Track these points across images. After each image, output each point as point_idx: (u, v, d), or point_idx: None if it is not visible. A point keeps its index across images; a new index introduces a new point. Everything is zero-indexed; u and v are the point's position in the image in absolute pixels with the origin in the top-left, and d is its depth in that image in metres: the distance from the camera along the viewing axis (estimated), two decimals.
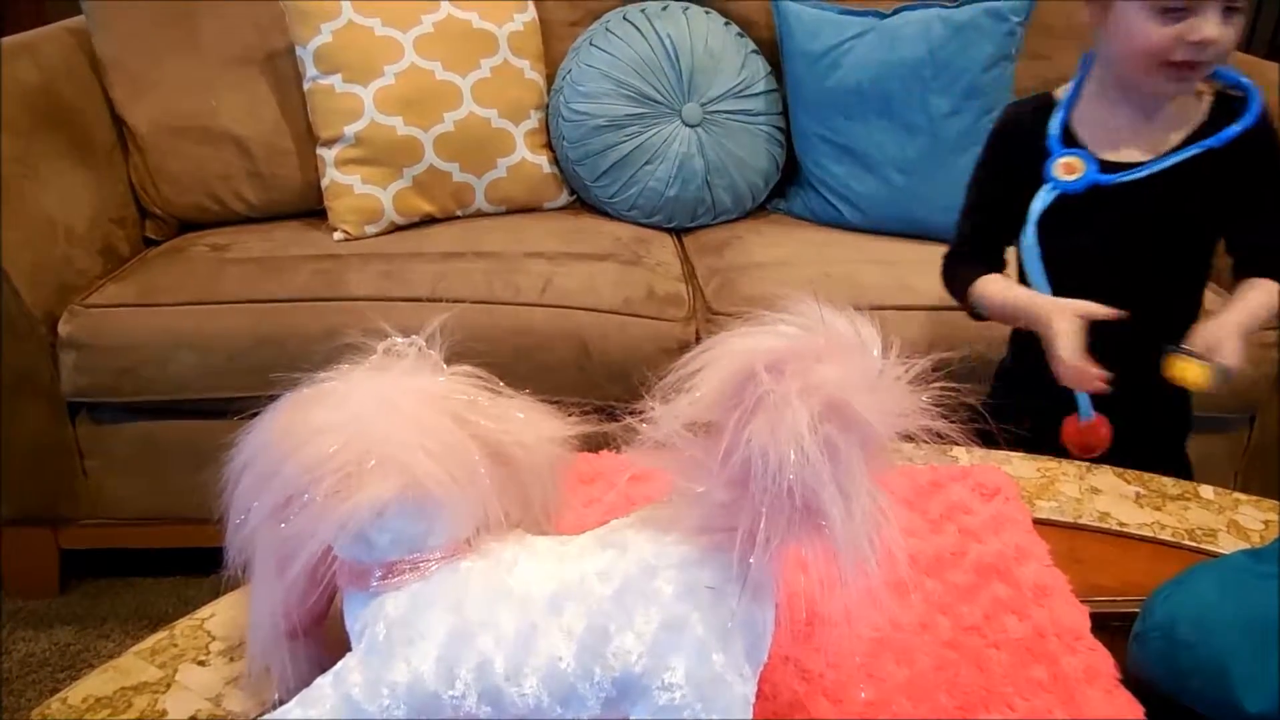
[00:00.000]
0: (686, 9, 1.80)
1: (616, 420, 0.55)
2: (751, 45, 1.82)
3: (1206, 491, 0.88)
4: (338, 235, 1.63)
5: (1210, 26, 0.91)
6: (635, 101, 1.72)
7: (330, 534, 0.54)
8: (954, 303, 1.57)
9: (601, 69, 1.73)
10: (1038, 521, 0.81)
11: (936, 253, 1.67)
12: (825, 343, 0.51)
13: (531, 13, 1.78)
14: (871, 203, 1.75)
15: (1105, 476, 0.89)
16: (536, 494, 0.61)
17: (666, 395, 0.53)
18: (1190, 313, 1.06)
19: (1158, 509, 0.85)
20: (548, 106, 1.80)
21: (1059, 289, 1.02)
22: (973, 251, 1.14)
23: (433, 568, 0.56)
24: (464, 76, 1.68)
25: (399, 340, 0.61)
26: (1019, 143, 1.07)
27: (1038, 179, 1.04)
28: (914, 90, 1.68)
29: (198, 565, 1.49)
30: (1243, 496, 0.87)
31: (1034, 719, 0.62)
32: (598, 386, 1.46)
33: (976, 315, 1.13)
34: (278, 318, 1.44)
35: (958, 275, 1.14)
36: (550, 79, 1.82)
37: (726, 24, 1.81)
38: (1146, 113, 1.02)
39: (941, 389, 0.51)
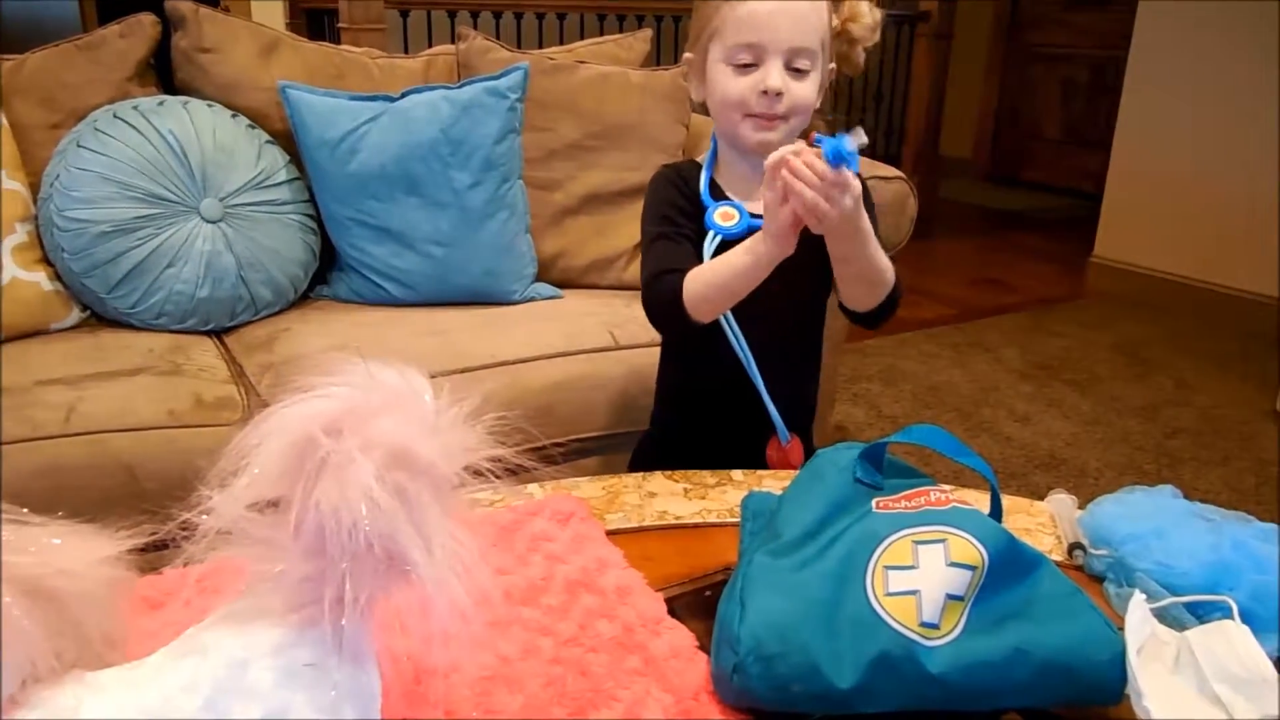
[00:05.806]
0: (187, 103, 1.72)
1: (172, 522, 0.52)
2: (266, 136, 1.79)
3: (737, 475, 1.03)
4: None
5: (774, 78, 1.06)
6: (144, 202, 1.60)
7: None
8: (512, 359, 1.66)
9: (98, 171, 1.59)
10: (610, 533, 0.90)
11: (482, 315, 1.78)
12: (378, 397, 0.53)
13: None
14: (415, 278, 1.80)
15: (658, 480, 1.01)
16: (93, 624, 0.55)
17: (223, 481, 0.51)
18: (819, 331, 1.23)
19: (702, 498, 0.98)
20: (37, 218, 1.61)
21: (735, 311, 1.10)
22: (675, 265, 1.11)
23: None
24: None
25: None
26: (680, 190, 1.16)
27: (700, 227, 1.14)
28: (435, 168, 1.76)
29: None
30: (758, 473, 1.03)
31: (635, 703, 0.69)
32: (155, 512, 1.32)
33: (688, 324, 1.07)
34: None
35: (666, 288, 1.08)
36: (35, 187, 1.63)
37: (234, 116, 1.76)
38: (758, 167, 1.05)
39: (496, 419, 0.55)
